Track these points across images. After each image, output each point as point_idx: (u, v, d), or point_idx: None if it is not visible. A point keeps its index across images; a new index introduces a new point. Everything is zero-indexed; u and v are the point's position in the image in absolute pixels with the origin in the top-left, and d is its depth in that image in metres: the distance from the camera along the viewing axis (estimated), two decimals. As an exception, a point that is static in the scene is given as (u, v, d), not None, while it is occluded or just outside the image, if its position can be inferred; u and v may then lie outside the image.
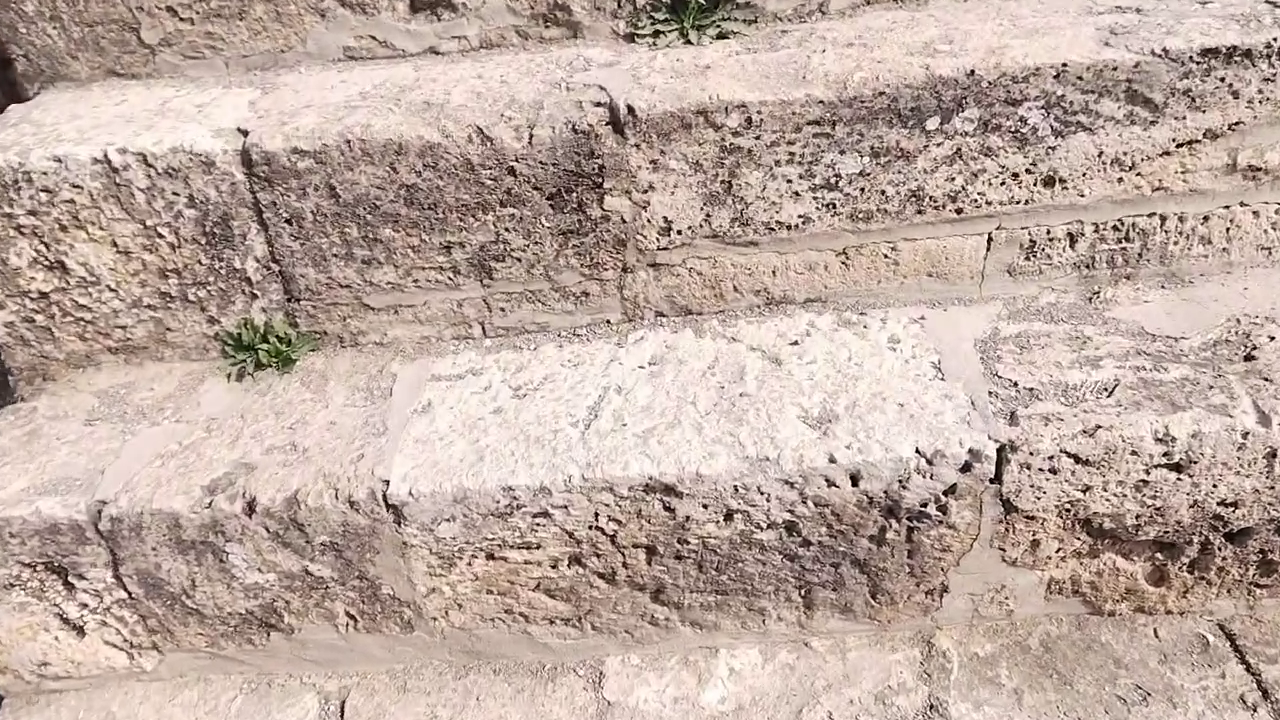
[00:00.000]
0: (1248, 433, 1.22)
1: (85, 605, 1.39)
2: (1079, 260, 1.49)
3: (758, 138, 1.37)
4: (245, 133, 1.41)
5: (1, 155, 1.40)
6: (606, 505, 1.27)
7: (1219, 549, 1.32)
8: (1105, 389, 1.29)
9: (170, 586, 1.36)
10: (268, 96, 1.54)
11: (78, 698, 1.47)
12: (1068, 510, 1.28)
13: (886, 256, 1.49)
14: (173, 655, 1.44)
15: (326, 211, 1.43)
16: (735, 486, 1.25)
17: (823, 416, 1.30)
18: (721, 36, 1.54)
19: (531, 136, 1.37)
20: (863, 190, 1.42)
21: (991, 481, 1.25)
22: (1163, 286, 1.49)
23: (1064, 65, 1.32)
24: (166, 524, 1.30)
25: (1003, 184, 1.42)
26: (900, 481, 1.24)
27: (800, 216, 1.45)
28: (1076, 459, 1.24)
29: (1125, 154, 1.39)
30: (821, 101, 1.34)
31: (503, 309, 1.53)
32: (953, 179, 1.41)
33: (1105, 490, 1.26)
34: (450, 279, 1.50)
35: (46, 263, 1.48)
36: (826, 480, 1.25)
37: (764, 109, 1.35)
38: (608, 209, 1.43)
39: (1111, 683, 1.31)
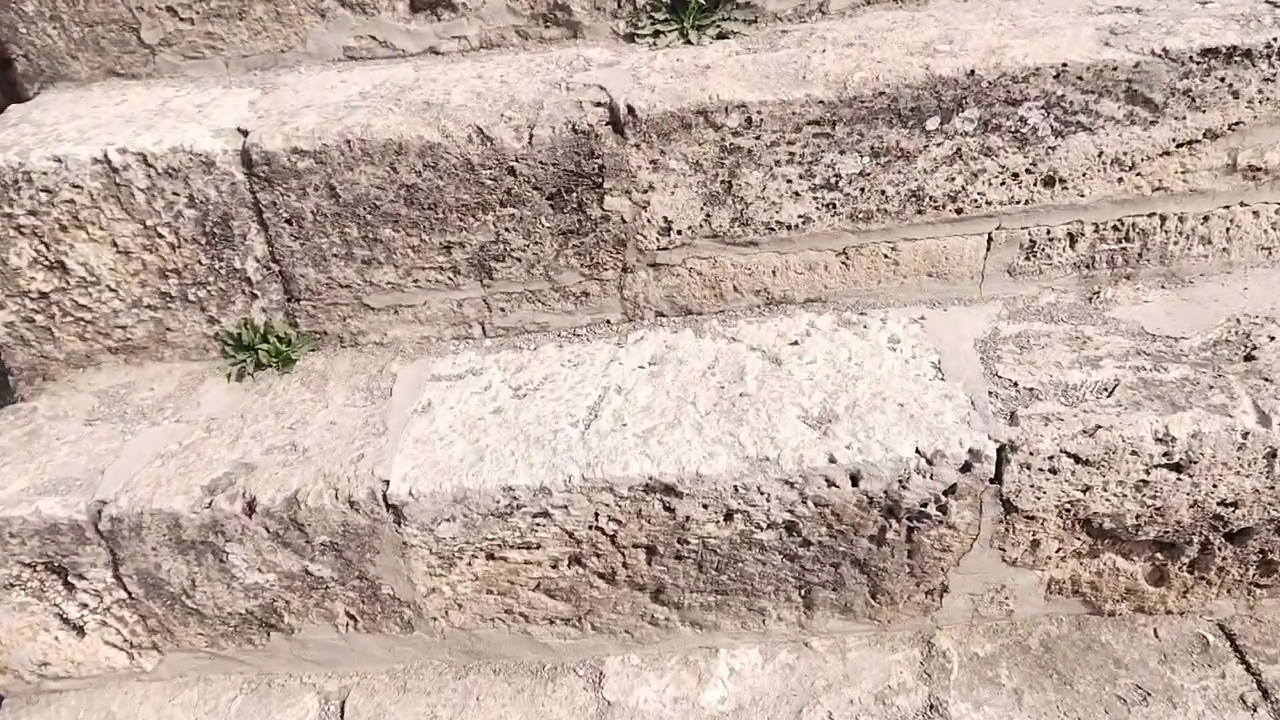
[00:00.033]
0: (1248, 433, 1.22)
1: (85, 605, 1.39)
2: (1079, 260, 1.49)
3: (758, 138, 1.37)
4: (245, 133, 1.41)
5: (1, 155, 1.40)
6: (606, 505, 1.27)
7: (1219, 549, 1.32)
8: (1105, 389, 1.29)
9: (170, 586, 1.36)
10: (268, 96, 1.54)
11: (78, 698, 1.47)
12: (1068, 510, 1.28)
13: (886, 256, 1.49)
14: (173, 655, 1.44)
15: (326, 211, 1.43)
16: (735, 486, 1.25)
17: (823, 416, 1.30)
18: (721, 36, 1.54)
19: (531, 136, 1.37)
20: (863, 190, 1.42)
21: (991, 481, 1.25)
22: (1163, 286, 1.49)
23: (1064, 65, 1.32)
24: (166, 524, 1.30)
25: (1003, 184, 1.42)
26: (900, 481, 1.24)
27: (800, 216, 1.45)
28: (1076, 459, 1.24)
29: (1125, 154, 1.39)
30: (821, 101, 1.34)
31: (503, 309, 1.53)
32: (953, 179, 1.41)
33: (1105, 490, 1.26)
34: (450, 279, 1.50)
35: (46, 263, 1.48)
36: (826, 480, 1.25)
37: (764, 109, 1.35)
38: (608, 209, 1.43)
39: (1111, 683, 1.31)
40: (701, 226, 1.45)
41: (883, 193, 1.42)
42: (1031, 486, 1.26)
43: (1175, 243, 1.48)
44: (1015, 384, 1.31)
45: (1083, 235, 1.47)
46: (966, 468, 1.24)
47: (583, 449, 1.29)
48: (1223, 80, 1.34)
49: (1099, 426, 1.23)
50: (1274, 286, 1.46)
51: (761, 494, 1.26)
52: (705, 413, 1.33)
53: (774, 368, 1.40)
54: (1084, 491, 1.26)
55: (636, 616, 1.38)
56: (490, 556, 1.32)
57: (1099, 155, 1.39)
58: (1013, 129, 1.37)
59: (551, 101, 1.40)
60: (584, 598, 1.37)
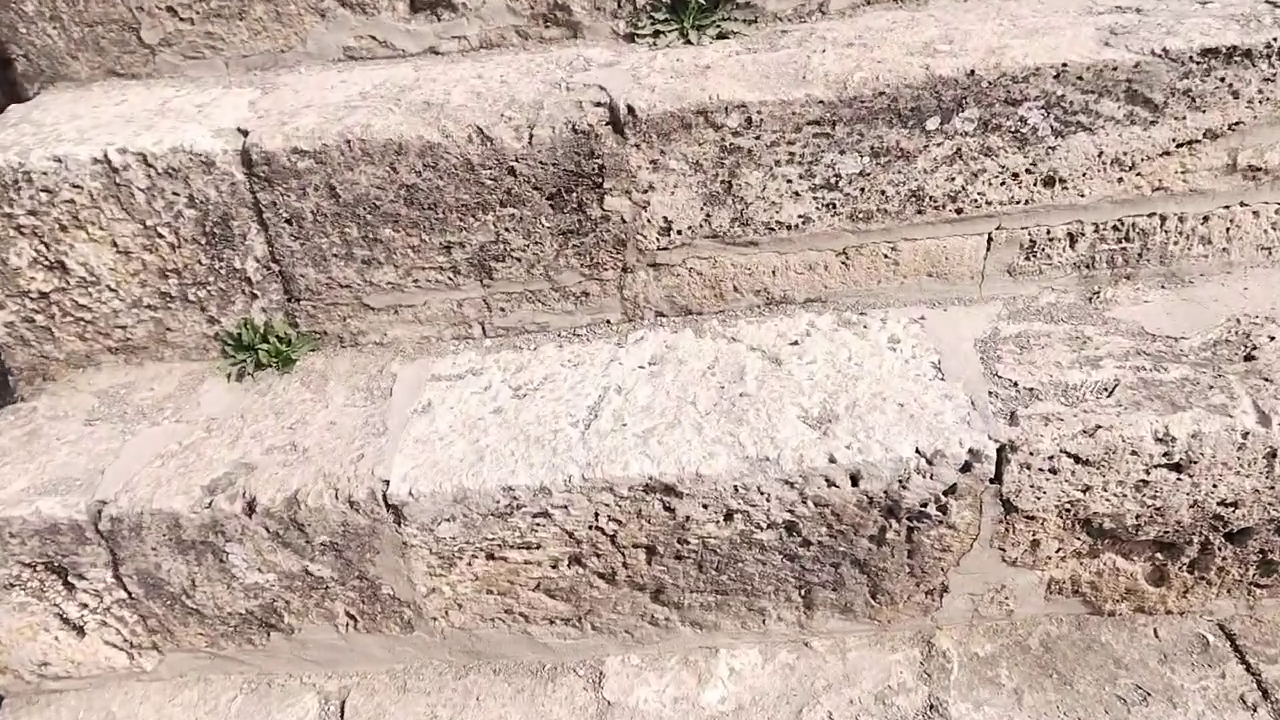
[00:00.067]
0: (1248, 433, 1.22)
1: (85, 605, 1.38)
2: (1079, 260, 1.48)
3: (758, 138, 1.37)
4: (245, 133, 1.41)
5: (1, 155, 1.40)
6: (606, 505, 1.27)
7: (1219, 549, 1.32)
8: (1105, 389, 1.29)
9: (170, 586, 1.36)
10: (268, 96, 1.53)
11: (78, 698, 1.47)
12: (1068, 510, 1.28)
13: (886, 256, 1.49)
14: (173, 655, 1.44)
15: (326, 211, 1.43)
16: (735, 486, 1.25)
17: (823, 416, 1.30)
18: (721, 36, 1.54)
19: (531, 136, 1.37)
20: (863, 190, 1.42)
21: (991, 481, 1.25)
22: (1163, 286, 1.49)
23: (1064, 65, 1.32)
24: (166, 524, 1.30)
25: (1003, 184, 1.42)
26: (900, 481, 1.24)
27: (800, 216, 1.44)
28: (1076, 459, 1.23)
29: (1125, 154, 1.39)
30: (821, 101, 1.34)
31: (503, 309, 1.53)
32: (953, 179, 1.41)
33: (1105, 490, 1.26)
34: (450, 279, 1.50)
35: (46, 263, 1.47)
36: (826, 480, 1.24)
37: (764, 109, 1.34)
38: (608, 209, 1.43)
39: (1111, 683, 1.31)
40: (701, 226, 1.45)
41: (883, 193, 1.42)
42: (1031, 486, 1.25)
43: (1175, 243, 1.47)
44: (1015, 384, 1.31)
45: (1083, 235, 1.47)
46: (966, 468, 1.23)
47: (583, 449, 1.29)
48: (1223, 80, 1.33)
49: (1099, 426, 1.23)
50: (1274, 286, 1.46)
51: (761, 494, 1.26)
52: (705, 413, 1.33)
53: (774, 368, 1.40)
54: (1084, 491, 1.26)
55: (636, 616, 1.38)
56: (490, 556, 1.32)
57: (1099, 155, 1.39)
58: (1013, 129, 1.37)
59: (551, 101, 1.40)
60: (584, 598, 1.36)
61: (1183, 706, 1.27)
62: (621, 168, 1.39)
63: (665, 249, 1.47)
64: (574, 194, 1.41)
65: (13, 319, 1.53)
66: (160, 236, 1.46)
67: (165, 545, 1.32)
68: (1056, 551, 1.33)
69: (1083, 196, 1.43)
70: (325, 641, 1.41)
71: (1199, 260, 1.49)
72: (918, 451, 1.23)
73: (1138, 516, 1.29)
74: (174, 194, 1.43)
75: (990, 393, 1.30)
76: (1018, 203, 1.43)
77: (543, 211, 1.43)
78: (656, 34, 1.56)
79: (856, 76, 1.34)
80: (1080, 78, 1.33)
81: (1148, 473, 1.25)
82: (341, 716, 1.39)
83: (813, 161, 1.39)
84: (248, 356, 1.53)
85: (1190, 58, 1.32)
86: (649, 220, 1.44)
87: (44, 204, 1.42)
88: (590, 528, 1.29)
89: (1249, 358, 1.32)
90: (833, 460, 1.23)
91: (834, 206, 1.44)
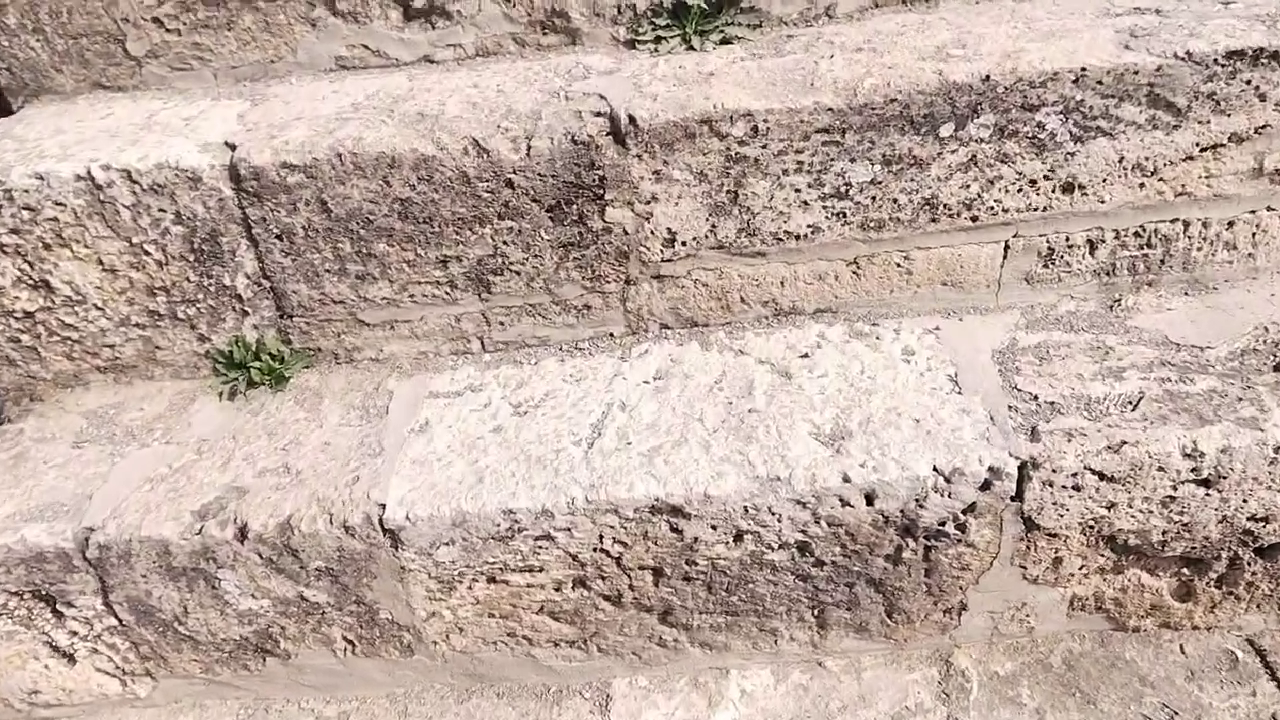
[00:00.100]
0: (1279, 446, 1.18)
1: (75, 633, 1.37)
2: (1099, 267, 1.45)
3: (764, 147, 1.34)
4: (233, 147, 1.39)
5: (-17, 172, 1.38)
6: (611, 527, 1.24)
7: (1248, 564, 1.29)
8: (1130, 402, 1.25)
9: (162, 613, 1.34)
10: (257, 109, 1.50)
11: (69, 728, 1.45)
12: (1091, 527, 1.25)
13: (899, 265, 1.45)
14: (167, 681, 1.42)
15: (318, 227, 1.40)
16: (745, 507, 1.22)
17: (835, 433, 1.26)
18: (725, 42, 1.51)
19: (529, 148, 1.33)
20: (874, 199, 1.39)
21: (1012, 499, 1.22)
22: (1186, 294, 1.46)
23: (1083, 69, 1.29)
24: (156, 551, 1.27)
25: (1020, 191, 1.38)
26: (917, 500, 1.21)
27: (809, 226, 1.41)
28: (1101, 476, 1.20)
29: (1147, 159, 1.36)
30: (830, 109, 1.31)
31: (502, 323, 1.50)
32: (968, 186, 1.38)
33: (1130, 507, 1.23)
34: (447, 294, 1.47)
35: (30, 282, 1.45)
36: (840, 500, 1.21)
37: (770, 117, 1.31)
38: (609, 220, 1.40)
39: (1137, 701, 1.28)
40: (707, 237, 1.42)
41: (895, 201, 1.39)
42: (1054, 504, 1.22)
43: (1199, 249, 1.44)
44: (1035, 397, 1.27)
45: (1103, 242, 1.44)
46: (986, 486, 1.20)
47: (586, 469, 1.25)
48: (1248, 83, 1.30)
49: (1124, 442, 1.19)
50: (1301, 292, 1.43)
51: (773, 514, 1.22)
52: (713, 430, 1.29)
53: (784, 382, 1.37)
54: (1108, 508, 1.23)
55: (644, 638, 1.36)
56: (491, 580, 1.30)
57: (1119, 160, 1.36)
58: (1030, 135, 1.33)
59: (550, 111, 1.37)
60: (589, 620, 1.34)
61: (1212, 728, 1.24)
62: (623, 178, 1.36)
63: (669, 260, 1.44)
64: (574, 206, 1.38)
65: (-2, 339, 1.50)
66: (147, 254, 1.43)
67: (155, 572, 1.29)
68: (1079, 568, 1.30)
69: (1103, 202, 1.40)
70: (323, 666, 1.39)
71: (1224, 266, 1.46)
72: (935, 470, 1.20)
73: (1164, 533, 1.26)
74: (160, 211, 1.40)
75: (1010, 407, 1.26)
76: (1035, 209, 1.40)
77: (542, 224, 1.40)
78: (658, 40, 1.52)
79: (867, 83, 1.31)
80: (1100, 82, 1.29)
81: (1175, 489, 1.22)
82: (340, 746, 1.37)
83: (822, 170, 1.36)
84: (239, 375, 1.50)
85: (1214, 60, 1.28)
86: (652, 232, 1.41)
87: (26, 222, 1.40)
88: (595, 550, 1.26)
89: (1279, 368, 1.28)
90: (847, 479, 1.20)
91: (844, 216, 1.40)
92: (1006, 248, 1.44)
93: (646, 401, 1.37)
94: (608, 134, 1.33)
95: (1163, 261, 1.45)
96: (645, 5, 1.54)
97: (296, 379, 1.52)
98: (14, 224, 1.39)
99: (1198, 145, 1.35)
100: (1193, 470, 1.20)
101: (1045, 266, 1.45)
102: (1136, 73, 1.29)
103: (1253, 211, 1.42)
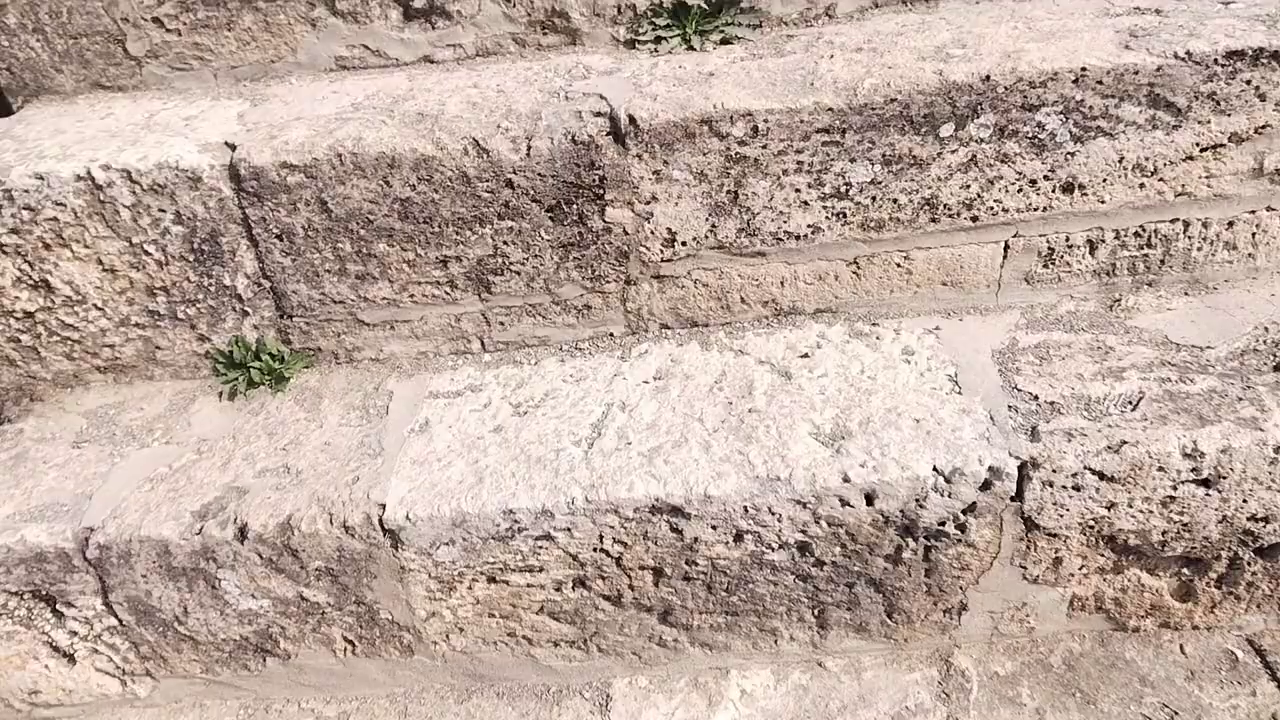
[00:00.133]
0: (1279, 446, 1.18)
1: (75, 633, 1.37)
2: (1099, 267, 1.45)
3: (764, 147, 1.33)
4: (233, 147, 1.39)
5: (-17, 172, 1.38)
6: (611, 527, 1.24)
7: (1248, 564, 1.29)
8: (1130, 402, 1.25)
9: (162, 613, 1.33)
10: (257, 109, 1.50)
11: (69, 728, 1.45)
12: (1091, 527, 1.25)
13: (899, 265, 1.45)
14: (167, 682, 1.42)
15: (318, 227, 1.40)
16: (745, 507, 1.22)
17: (835, 433, 1.26)
18: (725, 42, 1.51)
19: (529, 148, 1.33)
20: (874, 199, 1.39)
21: (1013, 499, 1.22)
22: (1186, 294, 1.46)
23: (1083, 69, 1.28)
24: (156, 551, 1.27)
25: (1020, 191, 1.38)
26: (917, 500, 1.21)
27: (809, 226, 1.41)
28: (1101, 475, 1.20)
29: (1147, 159, 1.36)
30: (830, 109, 1.31)
31: (502, 323, 1.50)
32: (968, 186, 1.38)
33: (1131, 507, 1.23)
34: (447, 294, 1.46)
35: (30, 282, 1.45)
36: (840, 500, 1.21)
37: (771, 117, 1.31)
38: (609, 221, 1.39)
39: (1137, 701, 1.27)
40: (707, 237, 1.42)
41: (895, 201, 1.39)
42: (1054, 504, 1.22)
43: (1199, 249, 1.44)
44: (1035, 397, 1.27)
45: (1103, 242, 1.43)
46: (986, 486, 1.20)
47: (586, 469, 1.25)
48: (1248, 83, 1.30)
49: (1124, 442, 1.19)
50: (1301, 292, 1.43)
51: (773, 514, 1.22)
52: (713, 430, 1.29)
53: (784, 382, 1.37)
54: (1109, 508, 1.23)
55: (644, 638, 1.35)
56: (492, 580, 1.29)
57: (1120, 161, 1.36)
58: (1030, 135, 1.33)
59: (550, 111, 1.37)
60: (589, 620, 1.34)
61: (1212, 728, 1.24)
62: (623, 179, 1.36)
63: (669, 260, 1.44)
64: (574, 206, 1.38)
65: (-2, 339, 1.50)
66: (147, 254, 1.43)
67: (155, 572, 1.29)
68: (1080, 568, 1.29)
69: (1103, 203, 1.39)
70: (323, 666, 1.39)
71: (1224, 266, 1.46)
72: (935, 470, 1.19)
73: (1164, 533, 1.25)
74: (160, 211, 1.40)
75: (1010, 407, 1.26)
76: (1035, 210, 1.40)
77: (542, 224, 1.39)
78: (658, 40, 1.52)
79: (867, 83, 1.31)
80: (1100, 82, 1.29)
81: (1175, 489, 1.21)
82: (341, 746, 1.37)
83: (822, 170, 1.36)
84: (239, 375, 1.50)
85: (1214, 60, 1.28)
86: (652, 232, 1.41)
87: (26, 222, 1.40)
88: (595, 550, 1.26)
89: (1279, 368, 1.28)
90: (847, 480, 1.20)
91: (844, 216, 1.40)
92: (1006, 248, 1.44)
93: (647, 401, 1.37)
94: (608, 134, 1.33)
95: (1163, 261, 1.45)
96: (645, 5, 1.54)
97: (296, 379, 1.52)
98: (14, 224, 1.39)
99: (1198, 145, 1.35)
100: (1193, 470, 1.20)
101: (1045, 266, 1.45)
102: (1136, 73, 1.29)
103: (1253, 211, 1.41)
